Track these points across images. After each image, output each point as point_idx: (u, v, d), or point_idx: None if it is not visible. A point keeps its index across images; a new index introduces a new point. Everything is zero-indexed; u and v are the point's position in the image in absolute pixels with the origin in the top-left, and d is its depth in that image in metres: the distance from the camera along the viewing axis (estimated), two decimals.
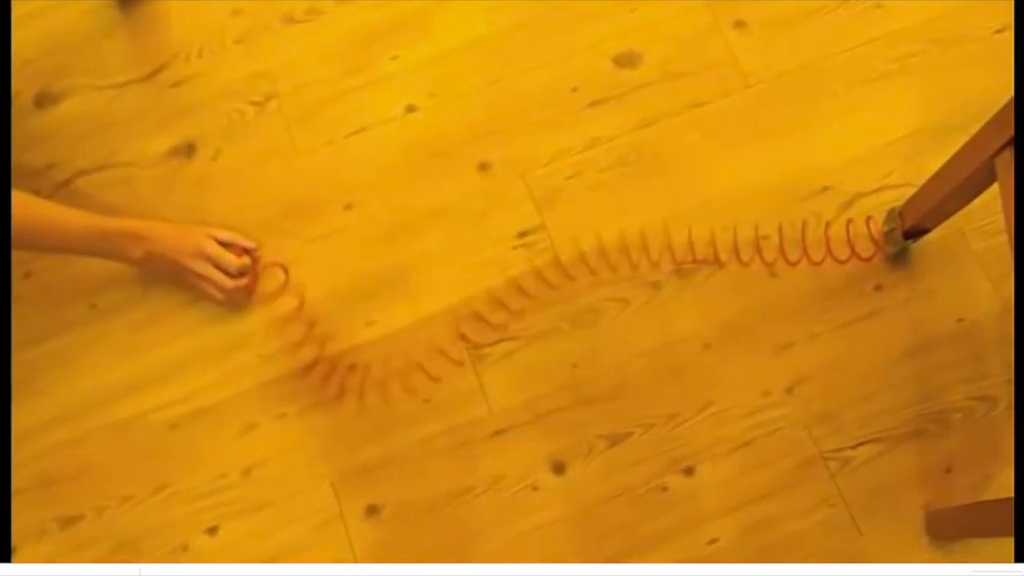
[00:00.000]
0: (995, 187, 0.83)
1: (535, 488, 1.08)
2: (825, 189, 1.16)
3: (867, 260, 1.12)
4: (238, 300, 1.13)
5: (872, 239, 1.13)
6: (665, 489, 1.07)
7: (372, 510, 1.08)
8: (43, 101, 1.23)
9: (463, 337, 1.12)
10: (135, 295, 1.15)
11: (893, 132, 1.18)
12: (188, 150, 1.21)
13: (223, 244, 1.12)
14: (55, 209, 1.04)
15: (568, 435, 1.09)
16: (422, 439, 1.09)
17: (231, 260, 1.11)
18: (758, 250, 1.13)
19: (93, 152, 1.20)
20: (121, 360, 1.13)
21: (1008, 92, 0.78)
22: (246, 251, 1.13)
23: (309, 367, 1.11)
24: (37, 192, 1.17)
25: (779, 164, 1.17)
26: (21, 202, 0.97)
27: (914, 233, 1.08)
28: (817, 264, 1.12)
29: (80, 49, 1.25)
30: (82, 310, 1.14)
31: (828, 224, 1.14)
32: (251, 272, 1.13)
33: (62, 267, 1.16)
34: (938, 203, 0.98)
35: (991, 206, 0.90)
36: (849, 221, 1.14)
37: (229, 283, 1.11)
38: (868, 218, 1.14)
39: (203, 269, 1.10)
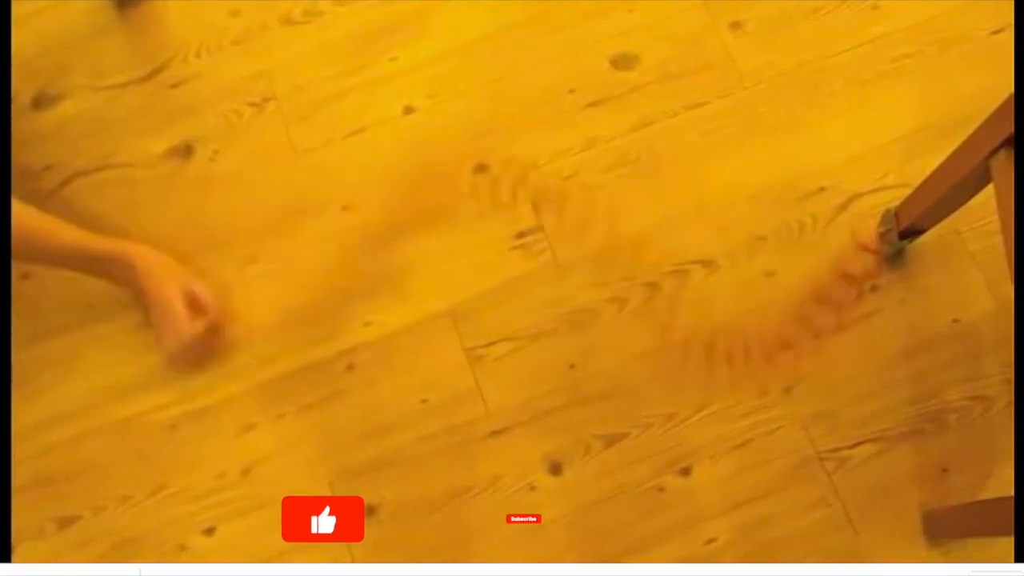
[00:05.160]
0: (991, 188, 0.83)
1: (533, 488, 1.08)
2: (822, 190, 1.16)
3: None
4: (193, 356, 1.09)
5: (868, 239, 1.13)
6: (662, 489, 1.07)
7: (370, 510, 1.08)
8: (41, 101, 1.23)
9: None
10: (134, 296, 1.15)
11: (890, 133, 1.18)
12: (186, 151, 1.21)
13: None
14: (46, 221, 1.01)
15: (565, 435, 1.09)
16: (420, 439, 1.09)
17: (205, 300, 1.08)
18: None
19: (91, 153, 1.20)
20: (120, 360, 1.13)
21: (1004, 93, 0.79)
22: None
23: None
24: (35, 193, 1.17)
25: (776, 164, 1.17)
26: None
27: (910, 233, 1.09)
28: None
29: (78, 49, 1.25)
30: (81, 310, 1.14)
31: (825, 225, 1.15)
32: (218, 333, 1.10)
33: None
34: (934, 204, 0.99)
35: (987, 206, 0.90)
36: (845, 222, 1.14)
37: (197, 327, 1.06)
38: (864, 219, 1.14)
39: (177, 303, 1.06)
